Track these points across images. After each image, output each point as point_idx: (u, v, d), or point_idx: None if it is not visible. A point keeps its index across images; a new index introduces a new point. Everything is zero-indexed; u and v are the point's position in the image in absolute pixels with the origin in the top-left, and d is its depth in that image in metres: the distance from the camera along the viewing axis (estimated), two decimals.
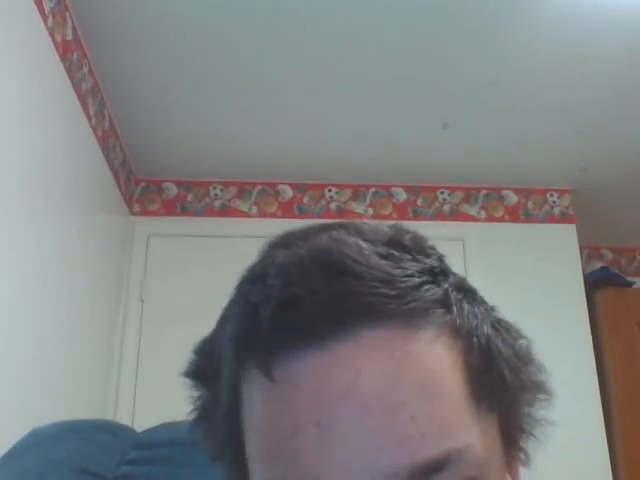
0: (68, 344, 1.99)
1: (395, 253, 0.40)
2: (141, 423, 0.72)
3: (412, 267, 0.39)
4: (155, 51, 2.11)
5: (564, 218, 2.84)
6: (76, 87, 2.00)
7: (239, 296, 0.42)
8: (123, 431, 0.65)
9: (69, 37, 1.93)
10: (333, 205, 2.82)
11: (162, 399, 2.51)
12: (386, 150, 2.63)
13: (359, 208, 2.82)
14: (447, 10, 1.95)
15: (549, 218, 2.84)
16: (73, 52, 1.97)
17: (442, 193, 2.85)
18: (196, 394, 0.45)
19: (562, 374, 2.62)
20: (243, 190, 2.80)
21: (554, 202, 2.86)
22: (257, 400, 0.39)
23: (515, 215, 2.84)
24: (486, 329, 0.41)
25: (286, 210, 2.79)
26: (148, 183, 2.80)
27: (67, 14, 1.90)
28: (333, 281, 0.37)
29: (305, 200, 2.81)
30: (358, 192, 2.84)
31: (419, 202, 2.84)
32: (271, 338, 0.38)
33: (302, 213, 2.79)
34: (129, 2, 1.91)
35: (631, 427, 2.60)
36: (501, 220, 2.83)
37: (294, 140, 2.58)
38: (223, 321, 0.43)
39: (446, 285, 0.40)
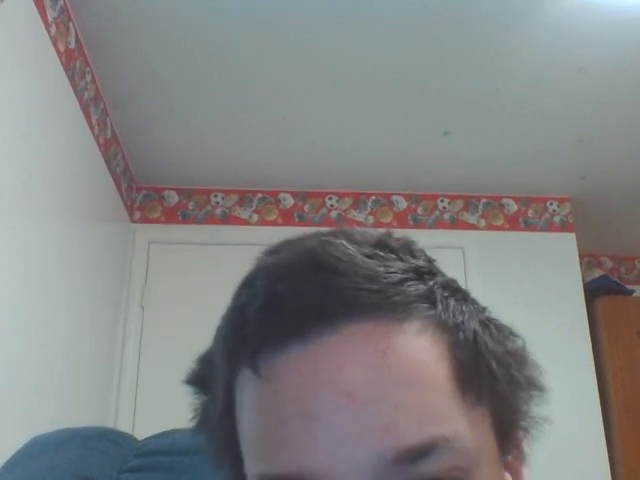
0: (69, 350, 1.99)
1: (380, 253, 0.40)
2: (142, 429, 0.72)
3: (397, 266, 0.40)
4: (157, 60, 2.12)
5: (564, 226, 2.85)
6: (78, 95, 2.01)
7: (231, 301, 0.43)
8: (124, 438, 0.65)
9: (72, 46, 1.94)
10: (334, 213, 2.82)
11: (163, 405, 2.51)
12: (386, 158, 2.64)
13: (359, 216, 2.82)
14: (449, 15, 1.96)
15: (549, 226, 2.84)
16: (76, 61, 1.98)
17: (442, 201, 2.86)
18: (197, 401, 0.45)
19: (562, 382, 2.62)
20: (244, 198, 2.81)
21: (554, 210, 2.87)
22: (248, 397, 0.40)
23: (515, 223, 2.85)
24: (473, 325, 0.41)
25: (287, 218, 2.80)
26: (149, 191, 2.81)
27: (70, 23, 1.91)
28: (316, 278, 0.38)
29: (306, 208, 2.82)
30: (358, 200, 2.85)
31: (419, 210, 2.85)
32: (256, 335, 0.39)
33: (303, 221, 2.79)
34: (131, 11, 1.92)
35: (631, 435, 2.59)
36: (501, 228, 2.84)
37: (294, 148, 2.58)
38: (218, 328, 0.44)
39: (432, 283, 0.41)
